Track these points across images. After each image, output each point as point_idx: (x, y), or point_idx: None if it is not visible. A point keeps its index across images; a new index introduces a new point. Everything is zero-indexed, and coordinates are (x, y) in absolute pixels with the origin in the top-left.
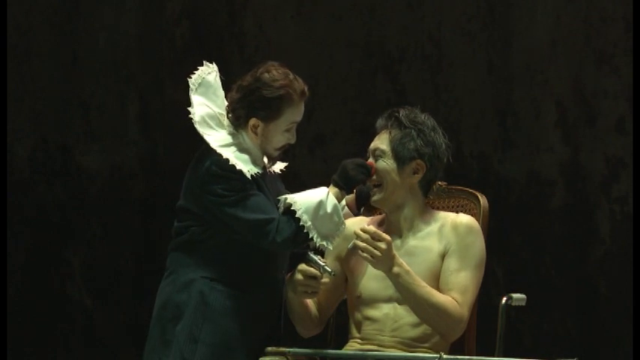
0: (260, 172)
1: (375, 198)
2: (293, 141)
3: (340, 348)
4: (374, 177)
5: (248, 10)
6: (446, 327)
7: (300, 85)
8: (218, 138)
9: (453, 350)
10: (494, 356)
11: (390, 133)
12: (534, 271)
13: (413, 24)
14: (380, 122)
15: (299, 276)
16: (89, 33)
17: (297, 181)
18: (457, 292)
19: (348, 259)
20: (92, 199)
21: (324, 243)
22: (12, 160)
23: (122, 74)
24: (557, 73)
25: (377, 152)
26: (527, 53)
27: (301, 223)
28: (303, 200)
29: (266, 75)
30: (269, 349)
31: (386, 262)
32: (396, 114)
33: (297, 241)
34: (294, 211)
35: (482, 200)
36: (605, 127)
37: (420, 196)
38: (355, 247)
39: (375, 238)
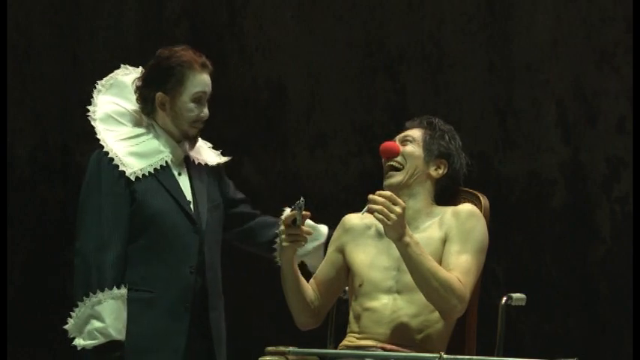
0: (157, 167)
1: (392, 180)
2: (205, 115)
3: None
4: (397, 158)
5: (248, 10)
6: (447, 303)
7: (199, 56)
8: (122, 132)
9: (453, 350)
10: (494, 356)
11: (424, 129)
12: (534, 271)
13: (413, 24)
14: (411, 123)
15: (281, 226)
16: (89, 33)
17: (297, 181)
18: (459, 273)
19: (350, 250)
20: None
21: (72, 335)
22: (12, 160)
23: None
24: (558, 72)
25: (407, 138)
26: (527, 53)
27: (79, 308)
28: (107, 310)
29: (165, 52)
30: (269, 349)
31: (398, 228)
32: (430, 118)
33: (76, 291)
34: (97, 294)
35: (484, 200)
36: (605, 127)
37: (431, 194)
38: (368, 212)
39: (391, 201)
